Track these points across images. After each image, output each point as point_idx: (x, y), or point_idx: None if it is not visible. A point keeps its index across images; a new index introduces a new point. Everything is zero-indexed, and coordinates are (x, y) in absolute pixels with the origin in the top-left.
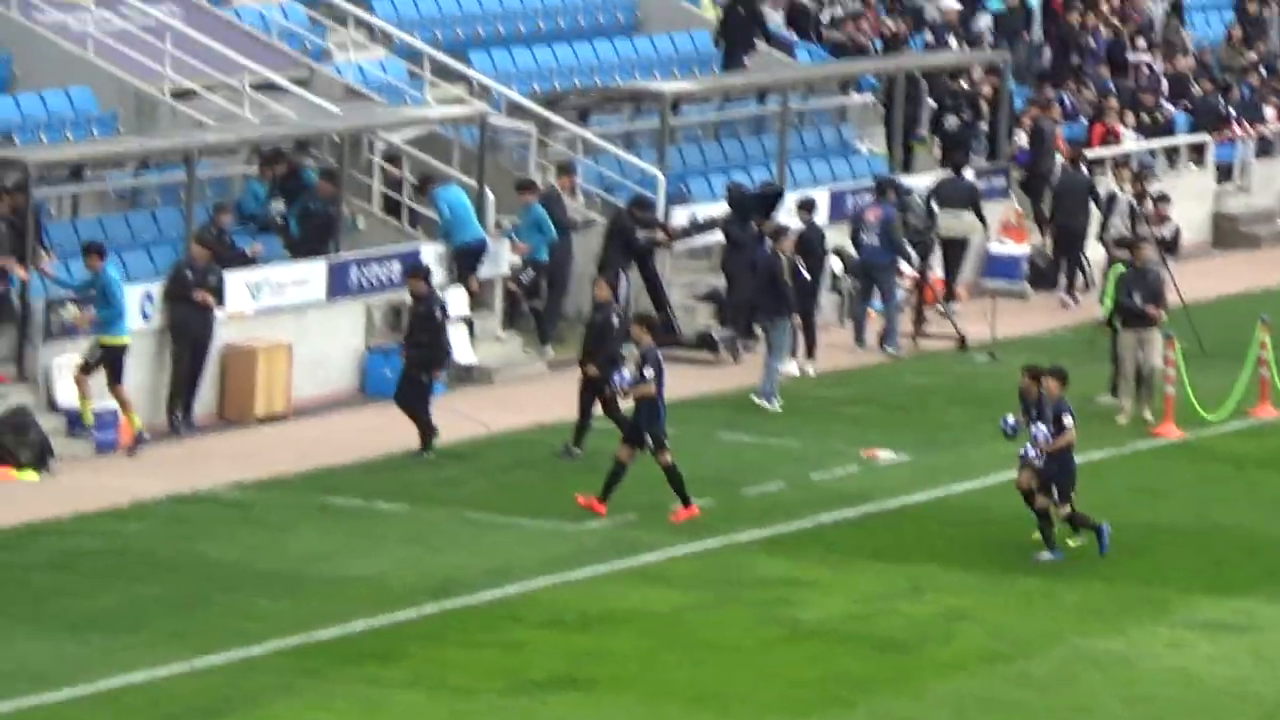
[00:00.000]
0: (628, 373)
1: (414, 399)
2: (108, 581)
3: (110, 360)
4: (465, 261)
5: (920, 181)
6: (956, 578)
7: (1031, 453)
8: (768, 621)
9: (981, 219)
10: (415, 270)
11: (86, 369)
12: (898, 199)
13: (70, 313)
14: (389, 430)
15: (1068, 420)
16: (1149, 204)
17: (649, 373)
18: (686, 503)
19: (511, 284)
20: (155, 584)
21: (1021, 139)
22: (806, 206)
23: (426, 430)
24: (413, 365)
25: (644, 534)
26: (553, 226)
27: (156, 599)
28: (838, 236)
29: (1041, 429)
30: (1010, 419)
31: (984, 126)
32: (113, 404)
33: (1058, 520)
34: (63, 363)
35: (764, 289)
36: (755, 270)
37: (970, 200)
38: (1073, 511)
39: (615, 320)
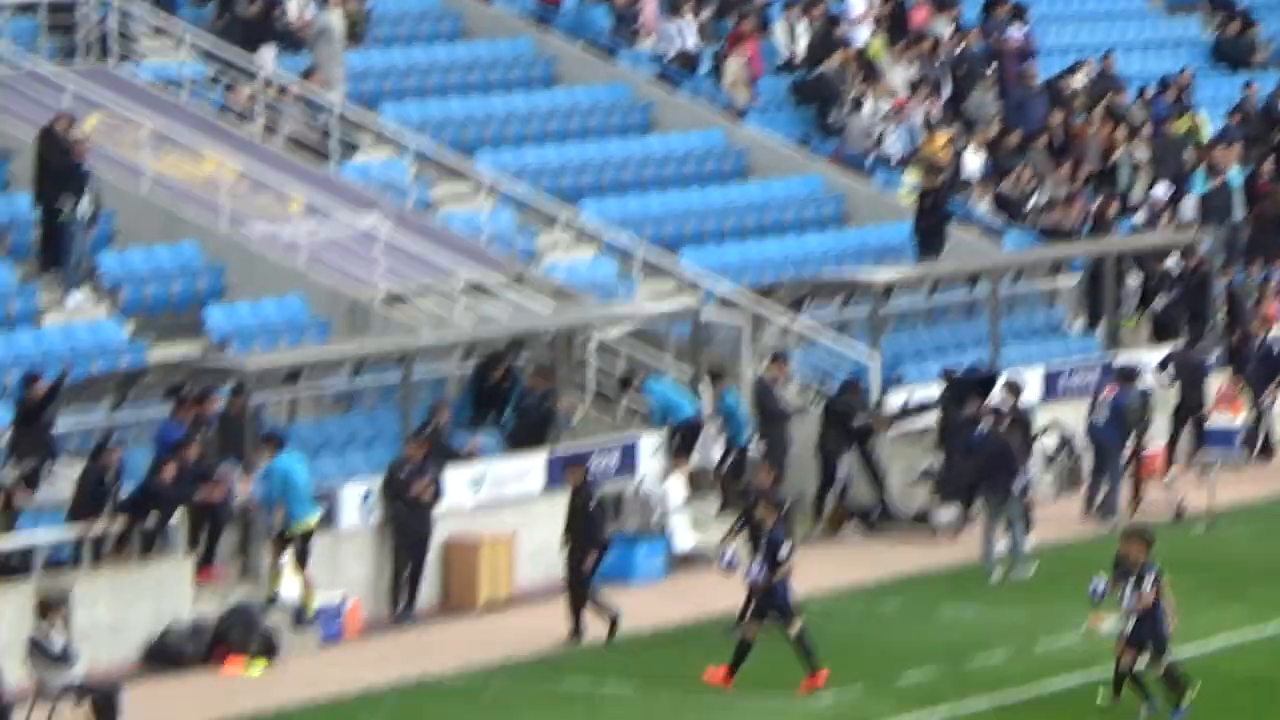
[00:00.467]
0: (755, 564)
1: (576, 588)
2: None
3: (296, 546)
4: (684, 440)
5: (1145, 357)
6: None
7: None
8: None
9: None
10: (574, 461)
11: (297, 563)
12: (1136, 389)
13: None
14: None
15: (1146, 583)
16: None
17: (783, 553)
18: (817, 668)
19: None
20: None
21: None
22: (1012, 388)
23: (577, 621)
24: (574, 554)
25: (871, 705)
26: (746, 413)
27: None
28: (1051, 414)
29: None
30: (1100, 584)
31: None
32: (335, 598)
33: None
34: (285, 560)
35: (993, 467)
36: (972, 451)
37: (1201, 372)
38: (1168, 672)
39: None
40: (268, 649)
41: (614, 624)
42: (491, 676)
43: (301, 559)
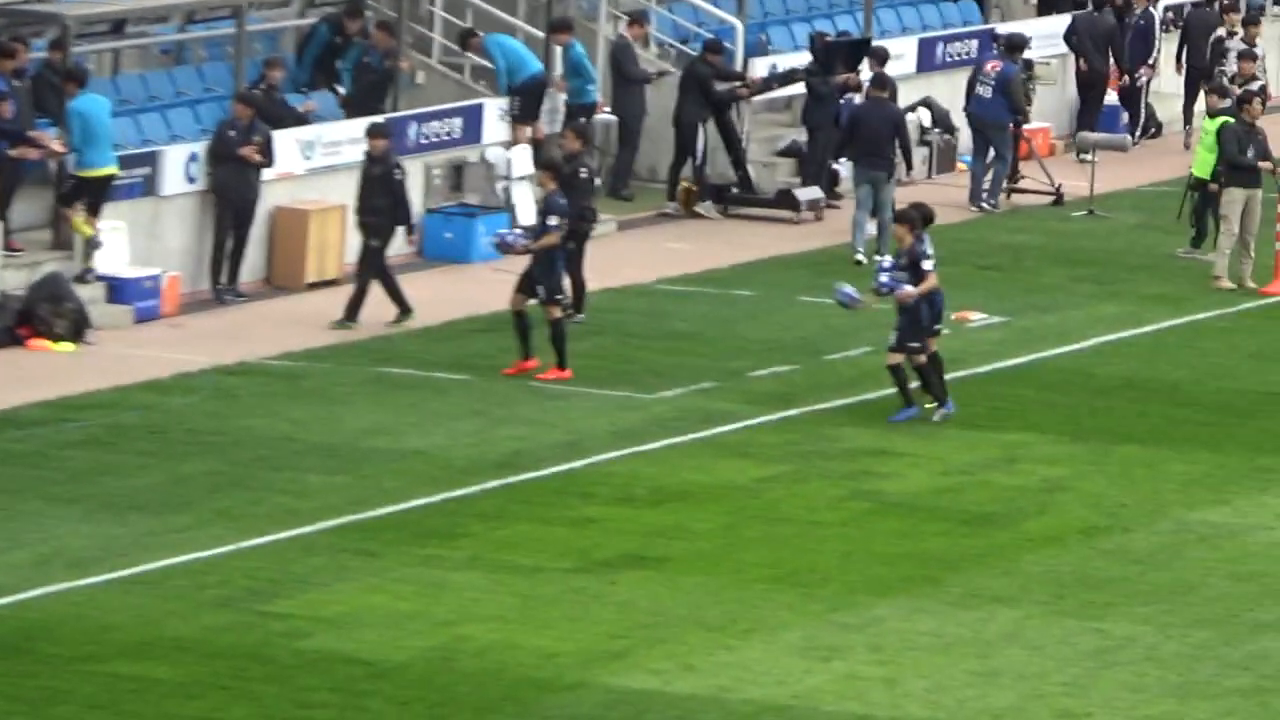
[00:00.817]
0: (518, 230)
1: (375, 269)
2: (149, 459)
3: (86, 193)
4: (528, 101)
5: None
6: (1053, 448)
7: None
8: (853, 495)
9: (1121, 61)
10: (374, 128)
11: (65, 201)
12: (1021, 61)
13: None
14: (449, 297)
15: (926, 265)
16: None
17: (552, 221)
18: (562, 365)
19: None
20: (200, 461)
21: None
22: (879, 57)
23: (399, 298)
24: (370, 233)
25: (721, 404)
26: (591, 69)
27: (201, 477)
28: (926, 88)
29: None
30: (886, 261)
31: None
32: (153, 270)
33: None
34: (100, 226)
35: (872, 141)
36: (840, 123)
37: (1110, 40)
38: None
39: (584, 173)
40: (77, 326)
41: (349, 315)
42: (316, 359)
43: (93, 210)
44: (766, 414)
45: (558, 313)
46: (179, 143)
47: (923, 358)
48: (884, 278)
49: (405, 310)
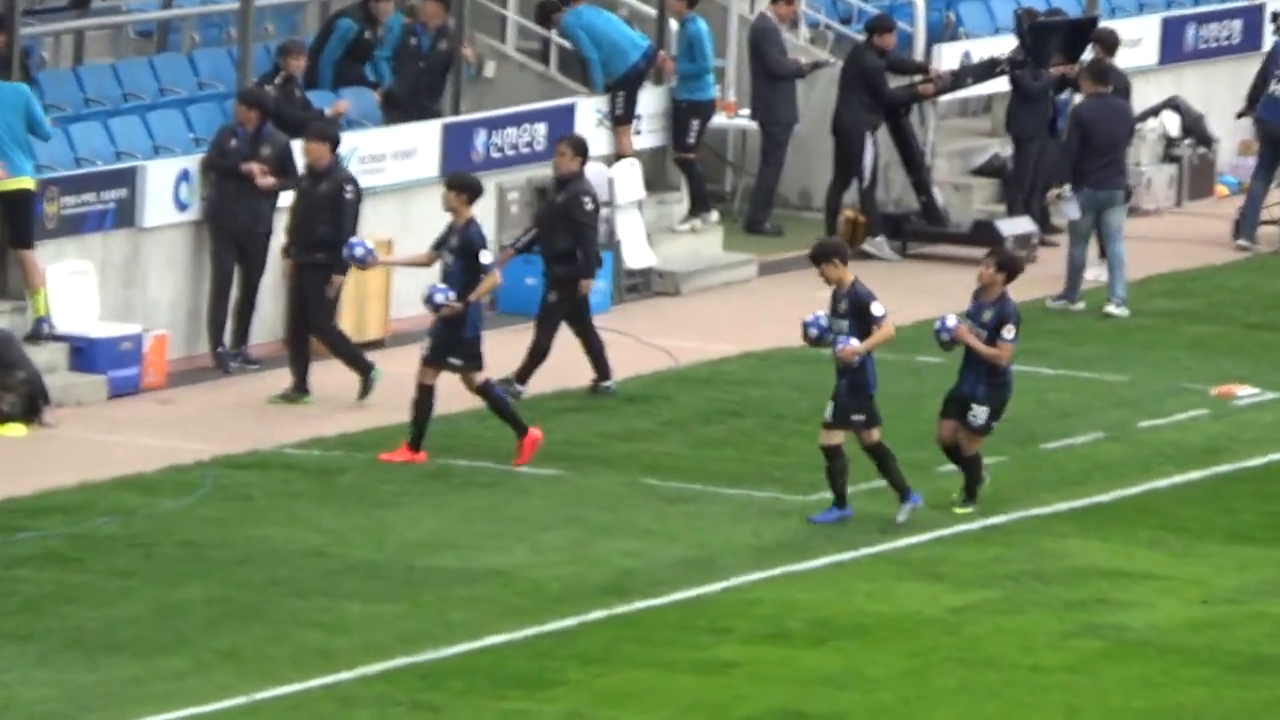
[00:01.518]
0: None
1: (322, 323)
2: (129, 581)
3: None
4: (633, 97)
5: None
6: None
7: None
8: (1081, 631)
9: None
10: (315, 129)
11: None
12: None
13: None
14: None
15: (876, 309)
16: None
17: (486, 259)
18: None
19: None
20: (198, 584)
21: None
22: (1107, 43)
23: (359, 362)
24: (310, 271)
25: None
26: (711, 53)
27: (200, 606)
28: (1172, 85)
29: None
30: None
31: None
32: (133, 328)
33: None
34: (59, 270)
35: (1101, 152)
36: (1056, 131)
37: None
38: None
39: (588, 203)
40: (31, 402)
41: (366, 381)
42: (355, 447)
43: (16, 240)
44: (964, 521)
45: (481, 378)
46: (164, 156)
47: (875, 434)
48: (813, 331)
49: (301, 387)
